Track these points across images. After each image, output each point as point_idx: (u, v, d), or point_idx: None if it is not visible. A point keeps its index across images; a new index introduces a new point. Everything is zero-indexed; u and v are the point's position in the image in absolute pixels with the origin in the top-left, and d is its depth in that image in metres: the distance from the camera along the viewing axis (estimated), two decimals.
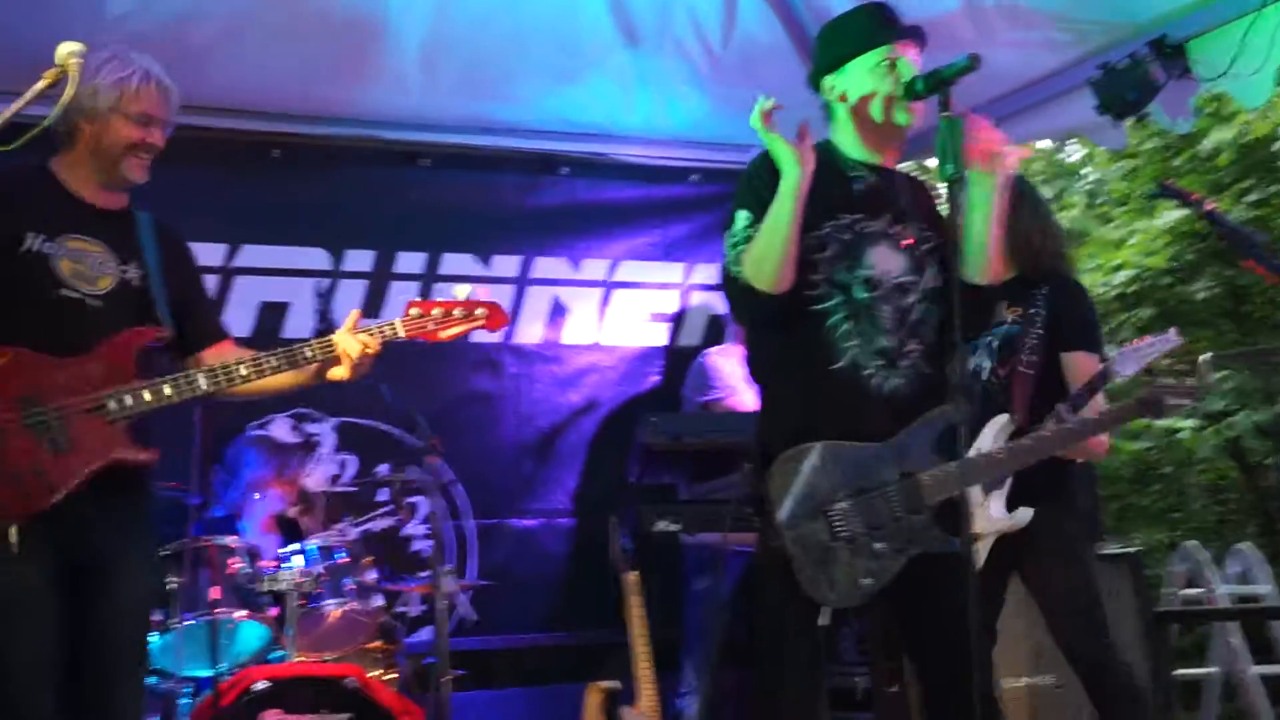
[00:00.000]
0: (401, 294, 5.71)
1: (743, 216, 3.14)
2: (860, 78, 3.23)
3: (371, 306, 5.68)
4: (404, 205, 5.80)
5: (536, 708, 5.53)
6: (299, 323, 5.52)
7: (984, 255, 3.18)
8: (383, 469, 5.49)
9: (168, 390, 3.17)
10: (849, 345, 3.13)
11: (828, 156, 3.20)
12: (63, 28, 4.43)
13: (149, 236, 3.42)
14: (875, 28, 3.27)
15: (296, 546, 4.62)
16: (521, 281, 6.00)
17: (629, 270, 6.17)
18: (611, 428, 5.97)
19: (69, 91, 2.83)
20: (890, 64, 3.20)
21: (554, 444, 5.94)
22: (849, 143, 3.29)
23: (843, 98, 3.27)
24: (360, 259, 5.70)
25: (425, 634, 5.36)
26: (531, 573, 5.81)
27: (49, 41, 4.59)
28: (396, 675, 4.68)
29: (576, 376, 6.03)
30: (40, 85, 2.83)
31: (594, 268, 6.13)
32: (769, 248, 3.04)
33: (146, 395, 3.15)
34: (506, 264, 5.98)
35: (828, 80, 3.31)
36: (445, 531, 5.67)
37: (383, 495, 5.55)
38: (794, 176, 3.01)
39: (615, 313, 6.14)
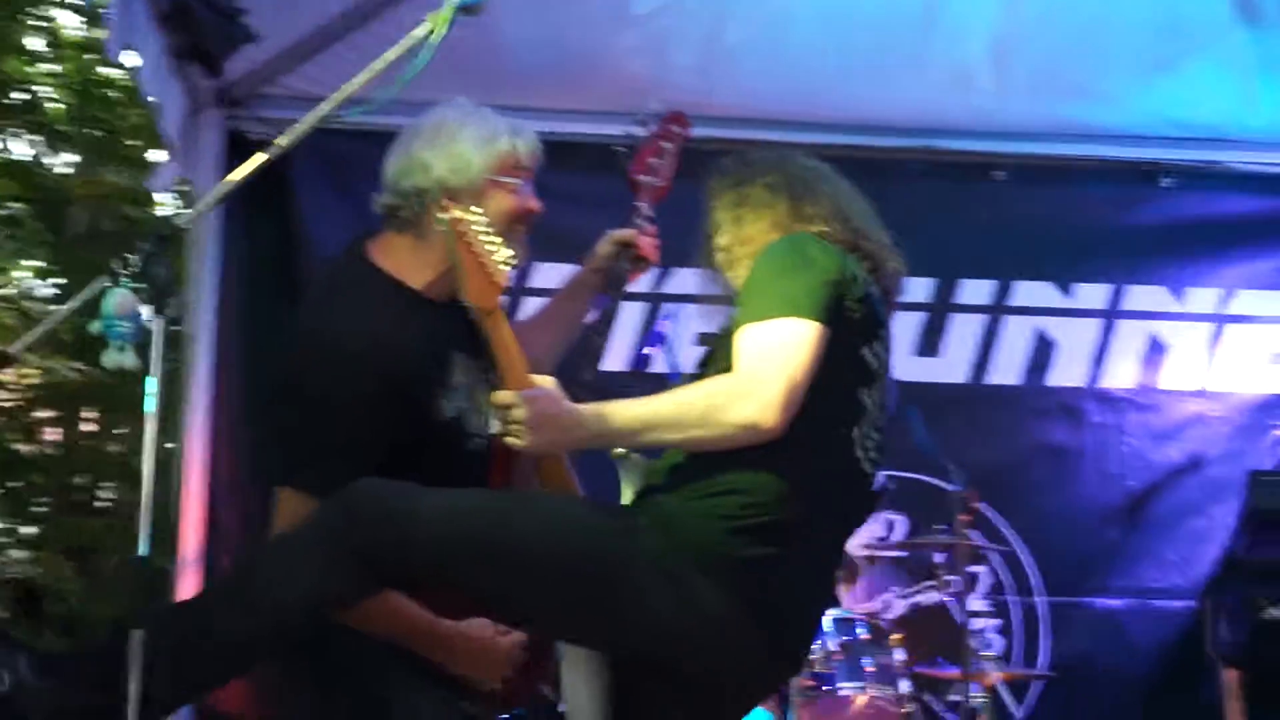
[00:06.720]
0: (963, 327, 5.27)
1: None
2: None
3: (928, 342, 5.25)
4: (971, 226, 5.31)
5: None
6: None
7: None
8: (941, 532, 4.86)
9: None
10: None
11: None
12: (585, 25, 4.83)
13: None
14: None
15: None
16: (1110, 314, 5.39)
17: (1246, 301, 5.39)
18: (1221, 490, 5.22)
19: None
20: None
21: (1147, 508, 5.26)
22: None
23: None
24: (916, 288, 5.18)
25: None
26: (1113, 663, 5.12)
27: (572, 37, 4.87)
28: None
29: (1178, 429, 5.36)
30: (418, 32, 2.62)
31: (1201, 298, 5.44)
32: None
33: None
34: (1092, 294, 5.39)
35: None
36: (1011, 609, 5.16)
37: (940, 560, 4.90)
38: None
39: (1227, 352, 5.40)
